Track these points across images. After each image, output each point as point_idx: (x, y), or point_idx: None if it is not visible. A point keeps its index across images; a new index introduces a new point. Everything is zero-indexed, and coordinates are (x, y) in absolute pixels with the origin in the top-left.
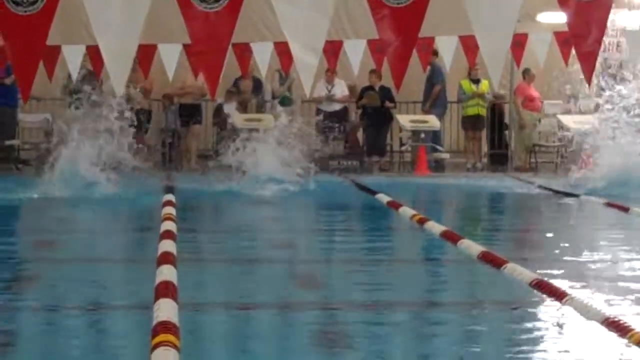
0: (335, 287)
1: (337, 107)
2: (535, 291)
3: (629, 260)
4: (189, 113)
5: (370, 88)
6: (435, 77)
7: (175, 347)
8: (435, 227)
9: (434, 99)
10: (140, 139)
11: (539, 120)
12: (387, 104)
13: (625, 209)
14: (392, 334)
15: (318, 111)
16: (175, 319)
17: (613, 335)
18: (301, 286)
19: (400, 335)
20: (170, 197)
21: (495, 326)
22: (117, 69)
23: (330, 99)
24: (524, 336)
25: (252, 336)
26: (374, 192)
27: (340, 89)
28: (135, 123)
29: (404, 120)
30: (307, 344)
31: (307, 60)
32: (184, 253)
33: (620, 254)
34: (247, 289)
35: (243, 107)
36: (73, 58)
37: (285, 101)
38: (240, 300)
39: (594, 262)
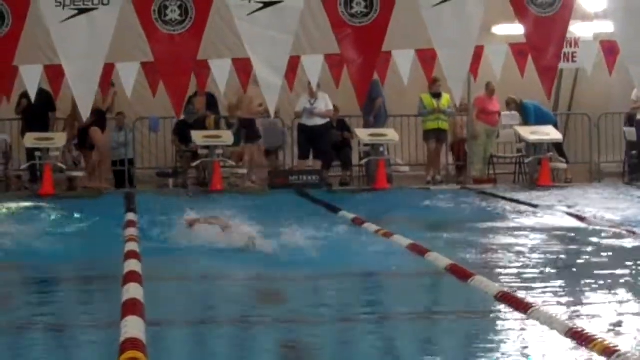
0: (300, 301)
1: (319, 121)
2: (500, 303)
3: (588, 270)
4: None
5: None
6: (374, 91)
7: None
8: (401, 240)
9: (377, 112)
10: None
11: (497, 135)
12: (346, 134)
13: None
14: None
15: (300, 126)
16: (142, 336)
17: (576, 346)
18: (264, 302)
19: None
20: (131, 216)
21: (461, 336)
22: (83, 93)
23: (311, 112)
24: (488, 345)
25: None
26: (336, 210)
27: (324, 103)
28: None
29: (363, 134)
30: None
31: (271, 80)
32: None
33: (579, 264)
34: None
35: (201, 125)
36: (30, 78)
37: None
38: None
39: (550, 274)
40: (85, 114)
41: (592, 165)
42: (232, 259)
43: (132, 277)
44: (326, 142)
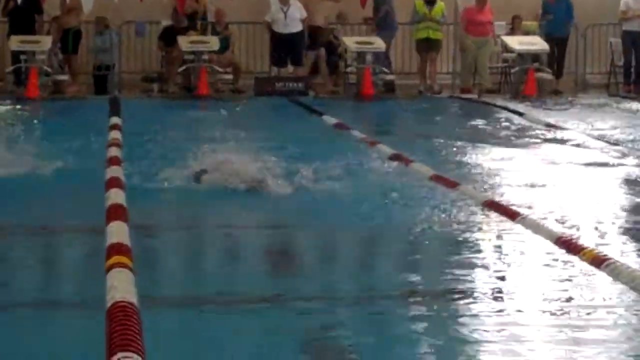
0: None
1: (293, 29)
2: (487, 211)
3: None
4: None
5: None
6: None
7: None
8: (385, 150)
9: (381, 20)
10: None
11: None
12: (334, 42)
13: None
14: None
15: (273, 34)
16: (127, 241)
17: (565, 254)
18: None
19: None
20: (116, 120)
21: (447, 244)
22: None
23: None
24: (476, 254)
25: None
26: (320, 113)
27: (299, 12)
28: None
29: (350, 42)
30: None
31: None
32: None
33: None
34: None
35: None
36: None
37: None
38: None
39: (541, 184)
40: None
41: (578, 76)
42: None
43: (114, 182)
44: (302, 48)
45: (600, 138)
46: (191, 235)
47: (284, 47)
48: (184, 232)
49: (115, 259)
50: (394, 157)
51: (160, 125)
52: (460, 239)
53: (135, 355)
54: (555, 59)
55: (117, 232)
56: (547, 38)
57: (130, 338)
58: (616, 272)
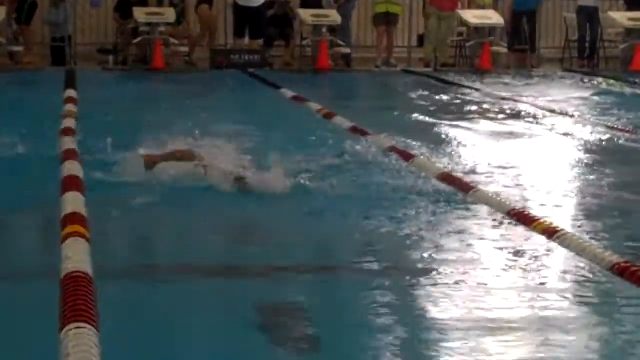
0: None
1: (254, 3)
2: (441, 183)
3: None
4: None
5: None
6: None
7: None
8: (342, 122)
9: None
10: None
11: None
12: (289, 13)
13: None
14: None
15: (235, 5)
16: (82, 211)
17: (516, 225)
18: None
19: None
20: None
21: (399, 215)
22: None
23: None
24: (428, 226)
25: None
26: (277, 86)
27: None
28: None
29: (305, 14)
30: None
31: None
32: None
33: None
34: None
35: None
36: None
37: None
38: None
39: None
40: None
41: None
42: None
43: (69, 155)
44: (263, 22)
45: (554, 111)
46: (146, 207)
47: (245, 20)
48: (138, 204)
49: (70, 228)
50: (352, 130)
51: (115, 98)
52: (413, 211)
53: (88, 326)
54: (525, 33)
55: (72, 201)
56: (516, 12)
57: (83, 308)
58: (567, 242)
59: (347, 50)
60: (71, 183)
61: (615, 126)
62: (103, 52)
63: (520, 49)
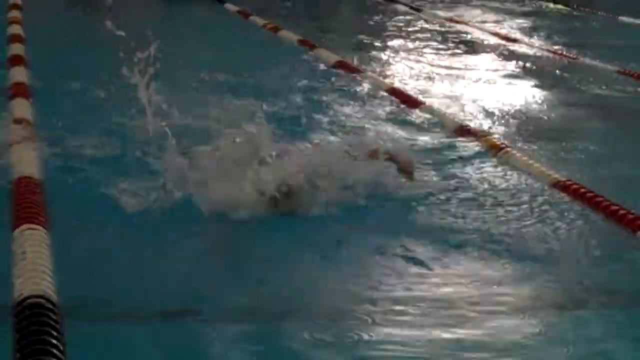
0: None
1: None
2: (391, 97)
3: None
4: None
5: None
6: None
7: None
8: (291, 36)
9: None
10: None
11: None
12: None
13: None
14: None
15: None
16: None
17: (465, 141)
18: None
19: None
20: None
21: (347, 130)
22: None
23: None
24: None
25: None
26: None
27: None
28: None
29: None
30: None
31: None
32: None
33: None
34: None
35: None
36: None
37: None
38: None
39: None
40: None
41: None
42: None
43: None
44: None
45: (496, 33)
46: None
47: None
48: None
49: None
50: (300, 43)
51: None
52: (361, 125)
53: (40, 228)
54: None
55: (18, 106)
56: None
57: (35, 211)
58: (512, 159)
59: None
60: (19, 89)
61: (556, 50)
62: None
63: None
